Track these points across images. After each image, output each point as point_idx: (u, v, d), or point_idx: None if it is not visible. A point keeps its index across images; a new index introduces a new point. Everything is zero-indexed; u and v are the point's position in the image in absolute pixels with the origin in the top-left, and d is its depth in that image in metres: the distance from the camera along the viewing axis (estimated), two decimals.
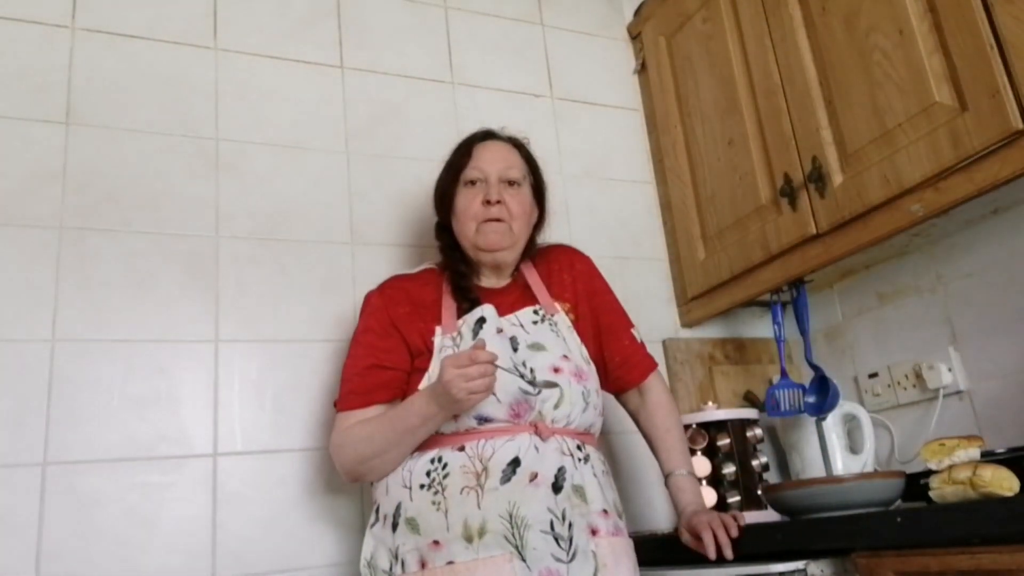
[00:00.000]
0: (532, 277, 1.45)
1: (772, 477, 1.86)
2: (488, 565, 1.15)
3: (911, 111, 1.41)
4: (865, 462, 1.70)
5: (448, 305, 1.37)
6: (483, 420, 1.24)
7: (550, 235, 1.53)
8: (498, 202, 1.37)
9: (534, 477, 1.20)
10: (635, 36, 2.22)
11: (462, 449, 1.23)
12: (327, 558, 1.52)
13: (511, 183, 1.40)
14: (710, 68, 1.92)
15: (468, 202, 1.38)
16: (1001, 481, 1.17)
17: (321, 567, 1.51)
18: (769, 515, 1.63)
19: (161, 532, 1.42)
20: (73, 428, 1.41)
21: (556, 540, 1.18)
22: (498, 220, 1.37)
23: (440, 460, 1.23)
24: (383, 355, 1.33)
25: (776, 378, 1.84)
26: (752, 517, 1.66)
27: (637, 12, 2.22)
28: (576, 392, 1.30)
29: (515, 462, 1.21)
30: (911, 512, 1.10)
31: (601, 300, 1.48)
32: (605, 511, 1.26)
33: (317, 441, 1.58)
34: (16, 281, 1.45)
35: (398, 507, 1.24)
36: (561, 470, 1.23)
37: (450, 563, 1.17)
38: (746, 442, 1.75)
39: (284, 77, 1.79)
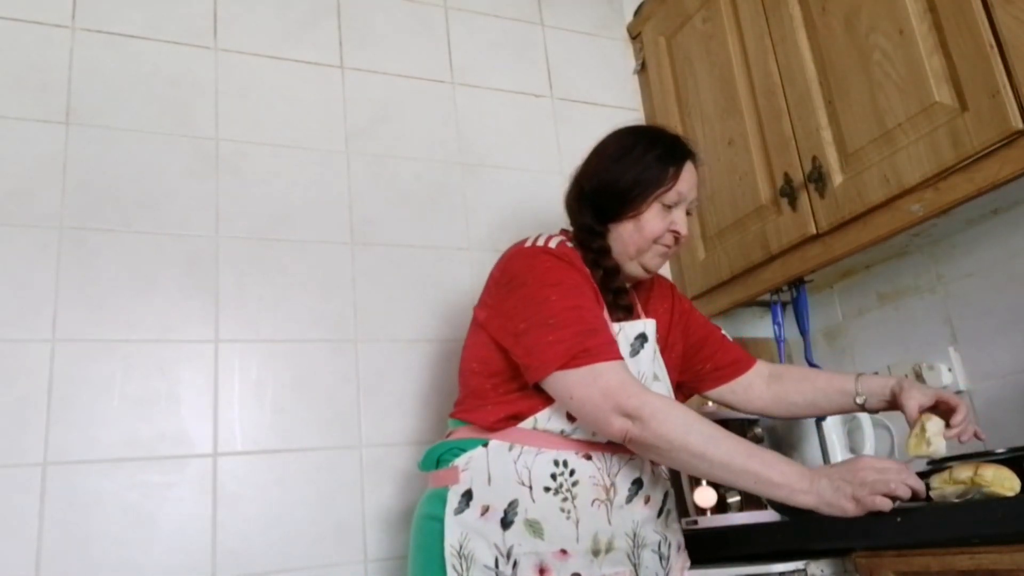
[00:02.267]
0: (634, 295, 1.41)
1: None
2: None
3: (911, 111, 1.41)
4: None
5: (599, 302, 1.27)
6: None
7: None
8: (683, 235, 1.33)
9: (648, 500, 1.23)
10: (635, 36, 2.22)
11: (589, 458, 1.19)
12: (327, 558, 1.52)
13: (689, 212, 1.36)
14: (710, 68, 1.92)
15: (657, 224, 1.30)
16: (1003, 481, 1.17)
17: (321, 567, 1.51)
18: (769, 515, 1.63)
19: (161, 532, 1.41)
20: (73, 428, 1.41)
21: (660, 559, 1.23)
22: (670, 248, 1.33)
23: (566, 465, 1.18)
24: (607, 325, 1.22)
25: None
26: (752, 517, 1.66)
27: (637, 12, 2.22)
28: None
29: (638, 482, 1.22)
30: (911, 512, 1.10)
31: (694, 316, 1.50)
32: (680, 527, 1.34)
33: (317, 441, 1.58)
34: (16, 281, 1.45)
35: (513, 504, 1.16)
36: (666, 496, 1.29)
37: (576, 574, 1.15)
38: None
39: (284, 77, 1.79)
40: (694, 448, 1.11)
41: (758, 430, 1.77)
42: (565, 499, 1.16)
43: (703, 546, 1.41)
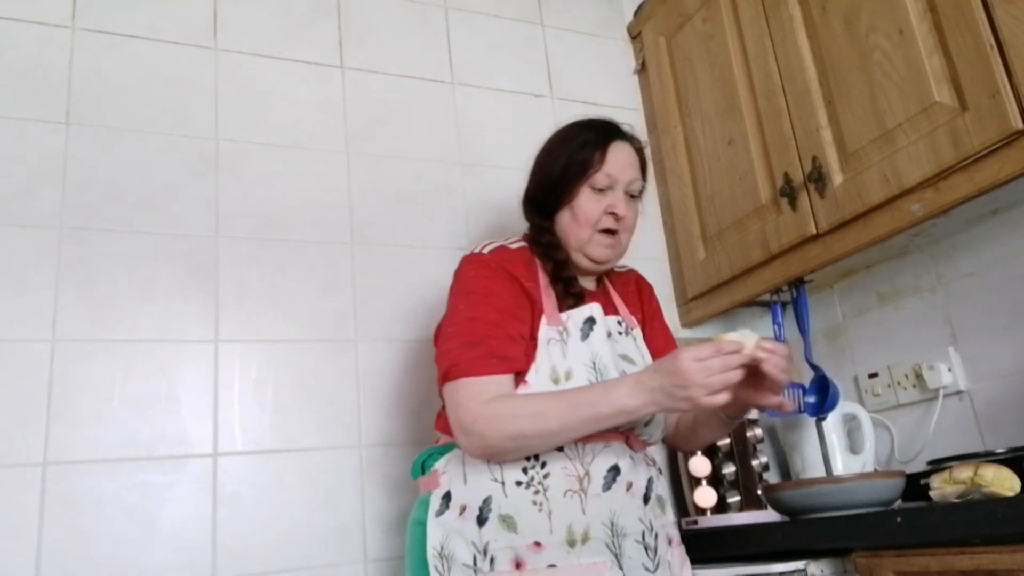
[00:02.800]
0: (609, 286, 1.43)
1: (772, 477, 1.86)
2: (590, 571, 1.14)
3: (911, 111, 1.41)
4: (865, 462, 1.70)
5: (548, 294, 1.29)
6: None
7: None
8: (622, 217, 1.31)
9: (630, 487, 1.21)
10: (635, 36, 2.22)
11: (560, 449, 1.18)
12: (327, 558, 1.52)
13: (632, 195, 1.35)
14: (710, 68, 1.92)
15: (591, 208, 1.30)
16: (1003, 481, 1.17)
17: (321, 567, 1.51)
18: (769, 515, 1.63)
19: (161, 532, 1.42)
20: (73, 428, 1.41)
21: (646, 550, 1.19)
22: (614, 233, 1.32)
23: (536, 458, 1.18)
24: (520, 325, 1.23)
25: None
26: (752, 517, 1.66)
27: (637, 12, 2.22)
28: (661, 413, 1.27)
29: (615, 469, 1.20)
30: (911, 512, 1.10)
31: (659, 324, 1.47)
32: (675, 522, 1.31)
33: (317, 441, 1.58)
34: (16, 281, 1.45)
35: (487, 501, 1.17)
36: (650, 481, 1.26)
37: (552, 566, 1.13)
38: (746, 442, 1.75)
39: (284, 77, 1.79)
40: (531, 432, 1.14)
41: (758, 430, 1.77)
42: (537, 492, 1.16)
43: (703, 546, 1.41)
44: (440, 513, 1.20)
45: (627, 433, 1.24)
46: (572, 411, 1.14)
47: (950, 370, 1.65)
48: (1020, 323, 1.55)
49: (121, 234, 1.55)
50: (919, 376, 1.71)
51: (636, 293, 1.45)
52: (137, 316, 1.51)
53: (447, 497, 1.21)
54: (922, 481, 1.36)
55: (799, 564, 1.22)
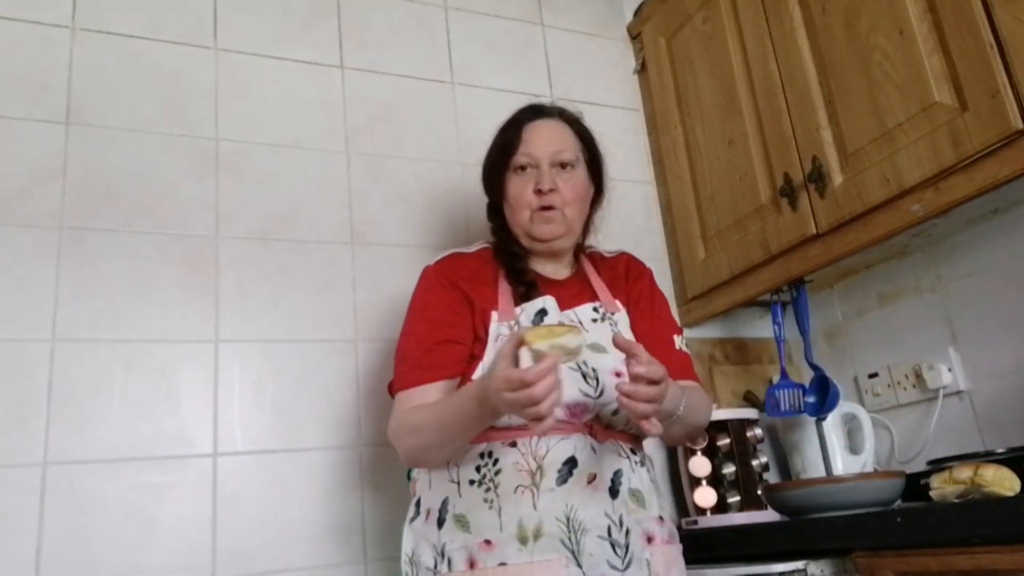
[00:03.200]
0: (591, 271, 1.39)
1: (772, 477, 1.86)
2: (542, 569, 1.09)
3: (911, 111, 1.41)
4: (865, 462, 1.70)
5: (504, 289, 1.29)
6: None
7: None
8: (551, 190, 1.29)
9: (592, 479, 1.15)
10: (635, 36, 2.22)
11: (514, 445, 1.16)
12: (327, 558, 1.52)
13: (564, 166, 1.32)
14: (710, 68, 1.91)
15: (520, 190, 1.31)
16: (1003, 481, 1.17)
17: (321, 567, 1.51)
18: (769, 515, 1.63)
19: (161, 532, 1.42)
20: (73, 428, 1.41)
21: (613, 547, 1.13)
22: (551, 208, 1.29)
23: (491, 455, 1.16)
24: (452, 329, 1.24)
25: (776, 378, 1.84)
26: (752, 517, 1.66)
27: (637, 12, 2.22)
28: None
29: (571, 462, 1.15)
30: (911, 512, 1.10)
31: (645, 306, 1.38)
32: (661, 518, 1.21)
33: (317, 441, 1.58)
34: (16, 281, 1.45)
35: (444, 503, 1.17)
36: (618, 473, 1.18)
37: (502, 564, 1.10)
38: (746, 442, 1.75)
39: (284, 77, 1.79)
40: (419, 445, 1.18)
41: (758, 430, 1.77)
42: (488, 489, 1.14)
43: (703, 546, 1.41)
44: (413, 520, 1.23)
45: (591, 423, 1.19)
46: (440, 424, 1.15)
47: (950, 370, 1.65)
48: (1020, 323, 1.55)
49: (121, 234, 1.55)
50: (919, 376, 1.71)
51: (623, 276, 1.40)
52: (137, 316, 1.51)
53: (419, 503, 1.24)
54: (922, 481, 1.36)
55: (799, 564, 1.22)
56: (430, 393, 1.19)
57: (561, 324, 1.13)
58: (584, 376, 1.18)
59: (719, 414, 1.76)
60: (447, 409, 1.15)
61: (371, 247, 1.75)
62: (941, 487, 1.24)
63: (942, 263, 1.70)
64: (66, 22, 1.63)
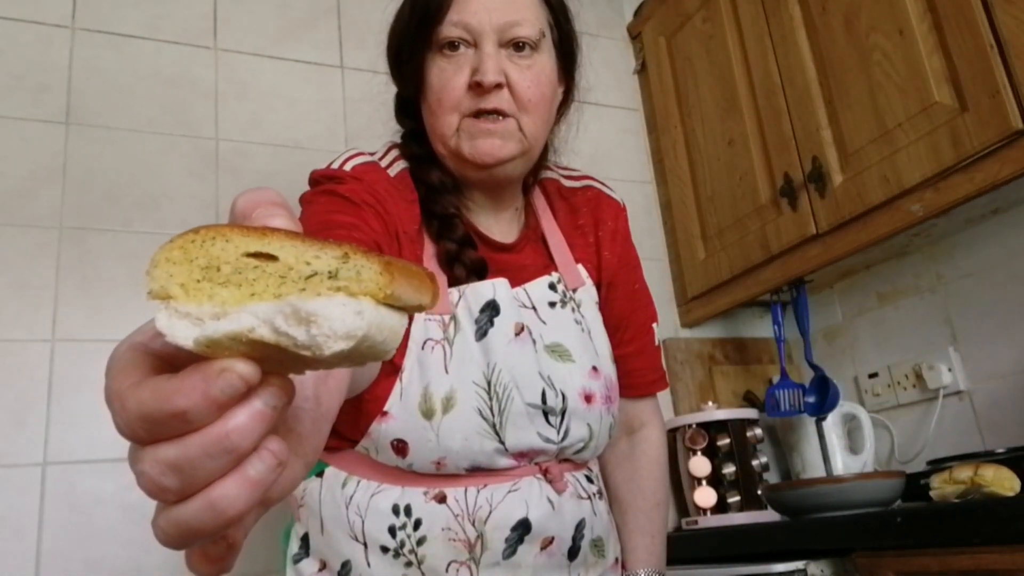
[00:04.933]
0: (548, 222, 0.98)
1: (772, 477, 1.86)
2: None
3: (911, 111, 1.41)
4: (865, 462, 1.70)
5: (431, 255, 0.87)
6: (473, 468, 0.83)
7: None
8: (498, 85, 0.84)
9: (548, 544, 0.84)
10: (635, 36, 2.22)
11: (442, 501, 0.82)
12: None
13: (520, 46, 0.86)
14: (710, 68, 1.92)
15: (445, 82, 0.85)
16: (1003, 481, 1.17)
17: None
18: (769, 515, 1.63)
19: None
20: (73, 428, 1.41)
21: None
22: (497, 114, 0.85)
23: (408, 513, 0.82)
24: (344, 216, 0.80)
25: (776, 378, 1.84)
26: (752, 517, 1.66)
27: (637, 12, 2.22)
28: (605, 427, 0.91)
29: (523, 525, 0.82)
30: (911, 512, 1.10)
31: (627, 277, 1.03)
32: (616, 559, 0.95)
33: None
34: (16, 281, 1.45)
35: (345, 566, 0.84)
36: (580, 525, 0.87)
37: None
38: (746, 442, 1.75)
39: (284, 77, 1.79)
40: None
41: (758, 430, 1.77)
42: (409, 563, 0.81)
43: (703, 546, 1.41)
44: (298, 560, 0.89)
45: (546, 466, 0.85)
46: None
47: (950, 370, 1.65)
48: (1020, 323, 1.55)
49: (121, 234, 1.55)
50: (919, 376, 1.71)
51: (591, 227, 1.00)
52: (137, 316, 1.51)
53: (305, 540, 0.89)
54: (922, 481, 1.36)
55: (799, 564, 1.22)
56: None
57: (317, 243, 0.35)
58: (546, 414, 0.84)
59: (719, 414, 1.76)
60: None
61: None
62: (941, 487, 1.24)
63: (942, 263, 1.70)
64: (66, 22, 1.63)
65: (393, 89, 0.97)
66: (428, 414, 0.80)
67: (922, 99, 1.39)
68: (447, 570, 0.81)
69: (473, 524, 0.81)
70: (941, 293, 1.71)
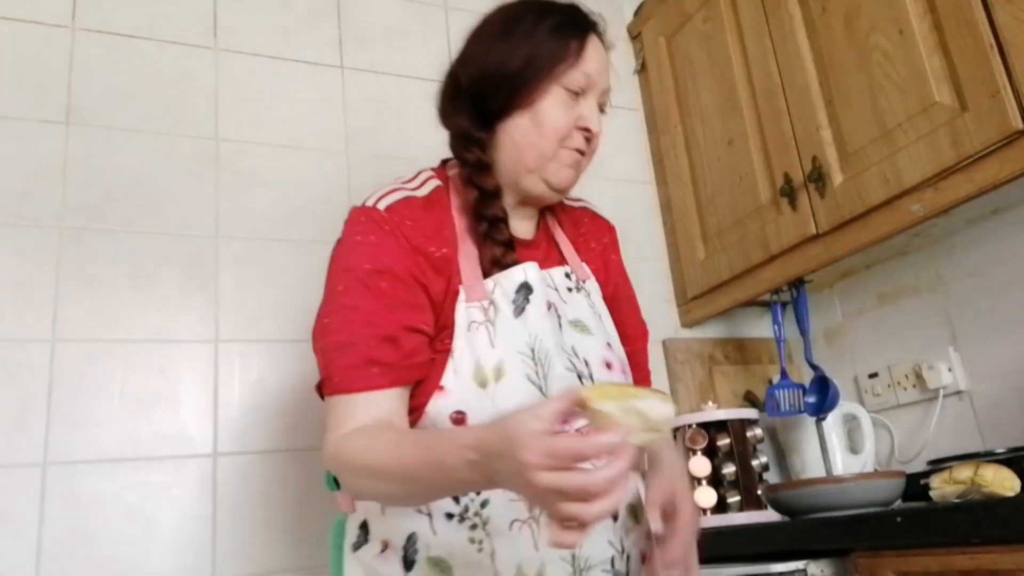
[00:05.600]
0: (556, 228, 1.11)
1: (772, 477, 1.86)
2: None
3: (911, 111, 1.41)
4: (865, 462, 1.70)
5: (469, 252, 0.97)
6: None
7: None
8: (596, 133, 1.03)
9: None
10: (635, 36, 2.22)
11: None
12: (327, 558, 1.51)
13: (602, 107, 1.06)
14: (710, 68, 1.91)
15: (560, 115, 0.98)
16: (1003, 481, 1.17)
17: (321, 567, 1.50)
18: (769, 515, 1.63)
19: (161, 532, 1.41)
20: (73, 428, 1.41)
21: None
22: (581, 154, 1.02)
23: None
24: (412, 312, 0.91)
25: (776, 378, 1.84)
26: (752, 517, 1.66)
27: (637, 12, 2.21)
28: None
29: None
30: (911, 512, 1.10)
31: (626, 289, 1.16)
32: (648, 531, 0.99)
33: (316, 441, 1.57)
34: (16, 281, 1.45)
35: (411, 539, 0.92)
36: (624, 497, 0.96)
37: None
38: (746, 442, 1.75)
39: (284, 77, 1.79)
40: (371, 493, 0.90)
41: (758, 430, 1.77)
42: (474, 526, 0.89)
43: (703, 546, 1.41)
44: (358, 547, 0.97)
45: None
46: (404, 480, 0.82)
47: (950, 370, 1.65)
48: (1020, 323, 1.55)
49: (121, 234, 1.55)
50: (919, 376, 1.71)
51: (589, 237, 1.14)
52: (137, 316, 1.51)
53: (364, 528, 0.97)
54: (922, 481, 1.36)
55: (799, 564, 1.22)
56: (384, 404, 0.89)
57: (639, 387, 0.82)
58: (580, 376, 0.95)
59: (719, 414, 1.76)
60: (417, 460, 0.81)
61: None
62: (941, 487, 1.24)
63: (942, 263, 1.70)
64: (66, 22, 1.63)
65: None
66: (483, 383, 0.91)
67: (922, 99, 1.39)
68: (510, 528, 0.88)
69: None
70: (941, 293, 1.71)
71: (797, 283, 1.78)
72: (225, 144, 1.69)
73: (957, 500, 1.21)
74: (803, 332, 1.78)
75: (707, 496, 1.70)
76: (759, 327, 2.06)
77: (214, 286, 1.59)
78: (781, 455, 1.90)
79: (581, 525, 0.65)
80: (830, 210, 1.56)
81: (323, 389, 0.94)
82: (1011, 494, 1.17)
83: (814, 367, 1.75)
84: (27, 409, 1.39)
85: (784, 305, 1.84)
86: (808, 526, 1.27)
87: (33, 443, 1.38)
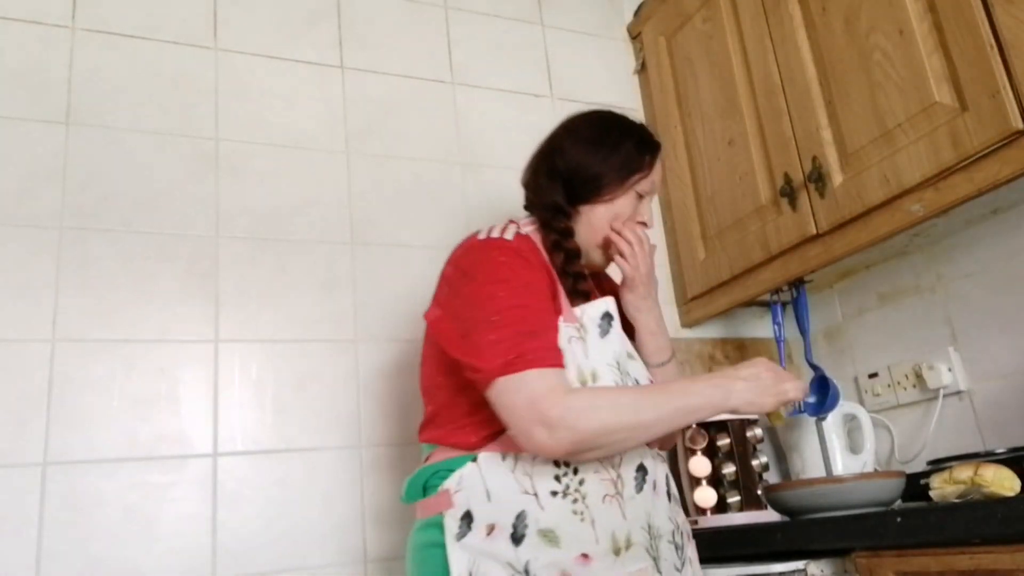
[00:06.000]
0: (601, 282, 1.39)
1: (772, 477, 1.86)
2: None
3: (911, 111, 1.41)
4: (865, 462, 1.70)
5: (558, 289, 1.21)
6: None
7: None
8: (649, 228, 1.33)
9: (655, 486, 1.17)
10: (635, 36, 2.22)
11: None
12: (327, 558, 1.52)
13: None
14: (710, 68, 1.92)
15: (626, 209, 1.27)
16: (1002, 481, 1.17)
17: (321, 567, 1.51)
18: (769, 515, 1.63)
19: (161, 532, 1.42)
20: (73, 428, 1.41)
21: (676, 549, 1.16)
22: None
23: (567, 464, 1.10)
24: (553, 317, 1.14)
25: None
26: (752, 517, 1.66)
27: (637, 12, 2.22)
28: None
29: (642, 469, 1.15)
30: (911, 512, 1.10)
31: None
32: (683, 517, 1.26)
33: (317, 441, 1.58)
34: (16, 281, 1.45)
35: (521, 516, 1.07)
36: (667, 478, 1.22)
37: None
38: (746, 442, 1.75)
39: (284, 77, 1.79)
40: (628, 423, 1.07)
41: (758, 430, 1.77)
42: (576, 500, 1.08)
43: (703, 546, 1.41)
44: (462, 536, 1.09)
45: None
46: (666, 401, 1.10)
47: (950, 370, 1.65)
48: (1020, 323, 1.55)
49: (121, 234, 1.55)
50: (919, 376, 1.71)
51: (600, 279, 1.41)
52: (137, 316, 1.51)
53: (467, 517, 1.10)
54: (922, 481, 1.36)
55: (799, 564, 1.22)
56: (567, 380, 1.09)
57: None
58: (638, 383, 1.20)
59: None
60: (671, 387, 1.15)
61: (371, 247, 1.75)
62: (941, 487, 1.24)
63: (942, 263, 1.70)
64: (66, 22, 1.63)
65: None
66: (582, 383, 1.13)
67: (922, 99, 1.39)
68: (603, 502, 1.10)
69: (612, 467, 1.12)
70: (941, 293, 1.71)
71: (797, 283, 1.78)
72: (225, 144, 1.69)
73: (957, 500, 1.21)
74: (803, 332, 1.78)
75: (707, 496, 1.70)
76: (759, 327, 2.06)
77: (214, 286, 1.59)
78: (781, 455, 1.90)
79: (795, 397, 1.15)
80: (830, 210, 1.57)
81: (515, 366, 1.06)
82: (1011, 494, 1.17)
83: (814, 367, 1.75)
84: (27, 409, 1.39)
85: (784, 305, 1.84)
86: (808, 526, 1.27)
87: (33, 443, 1.38)
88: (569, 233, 1.25)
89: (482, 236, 1.20)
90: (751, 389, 1.12)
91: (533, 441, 1.05)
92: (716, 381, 1.13)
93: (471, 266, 1.17)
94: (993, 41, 1.28)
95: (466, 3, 2.06)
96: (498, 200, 1.91)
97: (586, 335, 1.17)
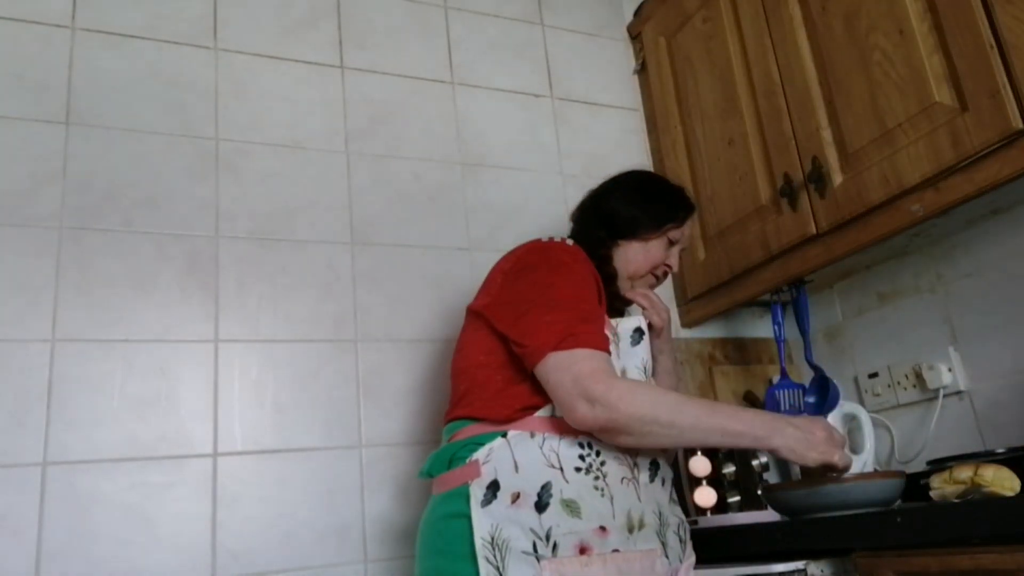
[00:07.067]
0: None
1: (772, 477, 1.86)
2: (647, 557, 1.17)
3: (911, 111, 1.41)
4: (865, 462, 1.70)
5: (603, 296, 1.33)
6: None
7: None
8: (673, 272, 1.50)
9: (664, 482, 1.27)
10: (635, 36, 2.22)
11: None
12: (327, 558, 1.51)
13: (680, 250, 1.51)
14: (710, 68, 1.92)
15: (659, 253, 1.45)
16: (1003, 481, 1.17)
17: (321, 567, 1.51)
18: (769, 515, 1.63)
19: (161, 532, 1.41)
20: (73, 428, 1.41)
21: (680, 542, 1.25)
22: (658, 280, 1.49)
23: (591, 446, 1.19)
24: (603, 320, 1.27)
25: (776, 378, 1.84)
26: (752, 517, 1.66)
27: (637, 12, 2.22)
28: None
29: (655, 465, 1.25)
30: (911, 512, 1.10)
31: None
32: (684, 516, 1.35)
33: (317, 441, 1.58)
34: (16, 281, 1.45)
35: (546, 487, 1.16)
36: (673, 478, 1.32)
37: (615, 551, 1.15)
38: None
39: (284, 77, 1.79)
40: (664, 419, 1.15)
41: None
42: (597, 477, 1.17)
43: (703, 546, 1.41)
44: (488, 503, 1.16)
45: None
46: (709, 414, 1.18)
47: (950, 370, 1.65)
48: (1020, 323, 1.55)
49: (121, 234, 1.55)
50: (919, 376, 1.71)
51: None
52: (137, 316, 1.51)
53: (494, 486, 1.17)
54: (922, 481, 1.36)
55: (799, 564, 1.22)
56: (611, 364, 1.20)
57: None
58: None
59: None
60: (715, 405, 1.31)
61: (371, 247, 1.75)
62: (941, 487, 1.24)
63: (942, 263, 1.70)
64: (66, 22, 1.63)
65: None
66: None
67: (922, 99, 1.39)
68: (621, 483, 1.19)
69: (630, 456, 1.22)
70: (941, 293, 1.71)
71: (797, 283, 1.78)
72: (225, 144, 1.69)
73: (957, 500, 1.21)
74: (803, 332, 1.78)
75: (707, 496, 1.70)
76: (759, 327, 2.06)
77: (214, 286, 1.59)
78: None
79: (838, 463, 1.20)
80: (830, 210, 1.57)
81: (566, 344, 1.17)
82: (1011, 494, 1.17)
83: (814, 367, 1.75)
84: (27, 409, 1.39)
85: (784, 305, 1.84)
86: (808, 526, 1.27)
87: (33, 443, 1.38)
88: (607, 260, 1.41)
89: (545, 239, 1.35)
90: (799, 439, 1.17)
91: (575, 414, 1.14)
92: (767, 417, 1.20)
93: (534, 260, 1.30)
94: (993, 41, 1.28)
95: (466, 3, 2.06)
96: (498, 200, 1.91)
97: (619, 342, 1.28)
